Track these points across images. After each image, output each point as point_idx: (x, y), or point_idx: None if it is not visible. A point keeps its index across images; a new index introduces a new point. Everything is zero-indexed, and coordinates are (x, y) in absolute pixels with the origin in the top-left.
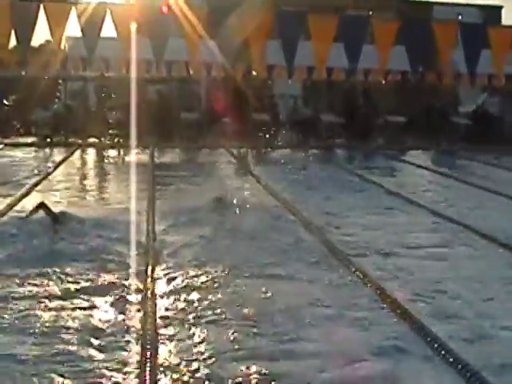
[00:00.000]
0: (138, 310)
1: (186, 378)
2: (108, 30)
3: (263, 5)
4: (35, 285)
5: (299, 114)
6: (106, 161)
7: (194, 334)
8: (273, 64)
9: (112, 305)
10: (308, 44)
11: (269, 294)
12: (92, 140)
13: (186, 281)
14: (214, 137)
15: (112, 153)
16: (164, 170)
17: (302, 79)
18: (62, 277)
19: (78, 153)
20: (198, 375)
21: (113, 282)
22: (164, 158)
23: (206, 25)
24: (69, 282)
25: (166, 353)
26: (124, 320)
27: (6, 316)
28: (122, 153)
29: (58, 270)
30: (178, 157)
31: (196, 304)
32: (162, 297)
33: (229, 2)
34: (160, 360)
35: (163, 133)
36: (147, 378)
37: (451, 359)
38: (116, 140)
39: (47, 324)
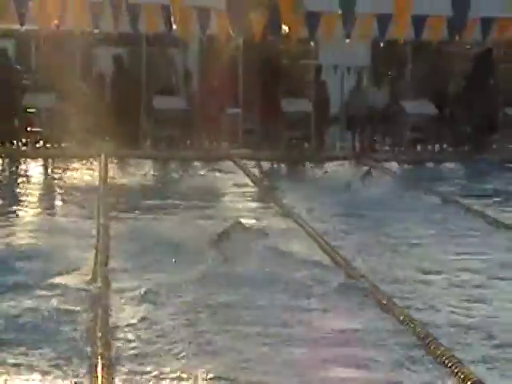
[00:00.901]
0: None
1: None
2: None
3: None
4: None
5: (364, 101)
6: (17, 181)
7: None
8: (317, 11)
9: None
10: None
11: None
12: None
13: None
14: (211, 139)
15: (31, 166)
16: (126, 201)
17: (369, 38)
18: None
19: None
20: None
21: None
22: (126, 176)
23: None
24: None
25: None
26: None
27: None
28: (48, 167)
29: None
30: (149, 175)
31: None
32: None
33: None
34: None
35: (124, 132)
36: None
37: None
38: (39, 145)
39: None
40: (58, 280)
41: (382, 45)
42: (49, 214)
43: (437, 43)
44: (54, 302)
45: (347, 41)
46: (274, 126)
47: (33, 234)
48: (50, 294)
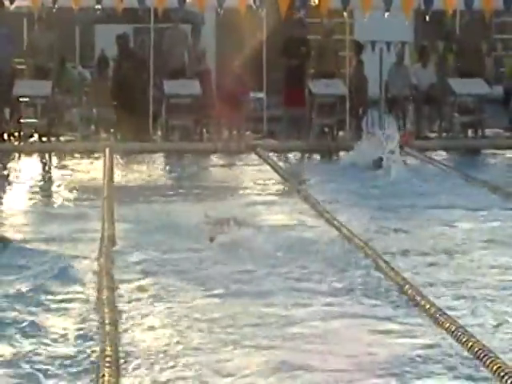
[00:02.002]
0: None
1: None
2: None
3: None
4: None
5: (406, 81)
6: (9, 179)
7: None
8: None
9: None
10: None
11: None
12: None
13: None
14: (232, 128)
15: (25, 163)
16: (136, 202)
17: (411, 8)
18: None
19: None
20: None
21: None
22: (135, 172)
23: None
24: None
25: None
26: None
27: None
28: (44, 164)
29: None
30: (161, 171)
31: None
32: None
33: None
34: None
35: (131, 122)
36: None
37: None
38: (33, 138)
39: None
40: None
41: (428, 13)
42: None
43: (490, 14)
44: None
45: (386, 14)
46: (303, 111)
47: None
48: None
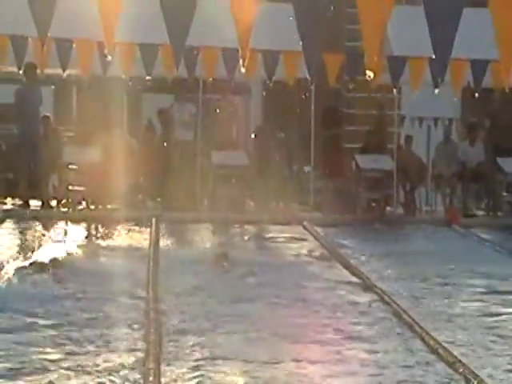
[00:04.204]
0: None
1: None
2: None
3: None
4: None
5: (453, 158)
6: (57, 247)
7: None
8: (402, 56)
9: None
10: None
11: None
12: (33, 204)
13: None
14: (278, 200)
15: (73, 230)
16: (181, 272)
17: (460, 86)
18: None
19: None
20: None
21: None
22: (181, 245)
23: None
24: None
25: None
26: None
27: None
28: (92, 231)
29: None
30: (208, 240)
31: None
32: None
33: None
34: None
35: (178, 192)
36: None
37: None
38: (81, 206)
39: None
40: None
41: (476, 95)
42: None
43: None
44: None
45: (436, 91)
46: (349, 185)
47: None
48: None
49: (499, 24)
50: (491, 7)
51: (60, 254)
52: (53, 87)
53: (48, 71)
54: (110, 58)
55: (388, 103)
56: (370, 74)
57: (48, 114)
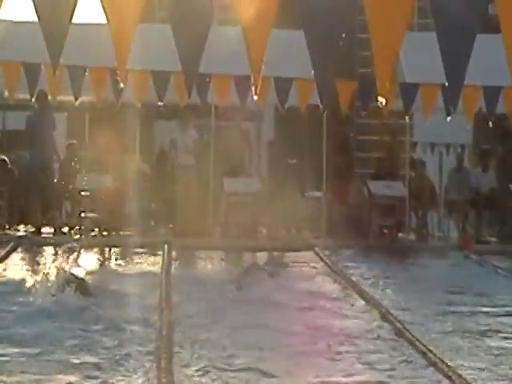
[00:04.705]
0: None
1: None
2: (87, 9)
3: None
4: None
5: (466, 184)
6: (71, 273)
7: None
8: (415, 82)
9: None
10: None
11: None
12: (45, 231)
13: None
14: (290, 227)
15: (86, 257)
16: (193, 298)
17: (473, 112)
18: None
19: (13, 257)
20: None
21: None
22: (193, 271)
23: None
24: None
25: None
26: None
27: None
28: (105, 258)
29: None
30: (220, 267)
31: None
32: None
33: None
34: None
35: (191, 218)
36: None
37: None
38: (94, 232)
39: None
40: None
41: (489, 123)
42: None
43: None
44: None
45: (448, 119)
46: (361, 212)
47: None
48: None
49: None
50: (504, 33)
51: (72, 281)
52: (66, 114)
53: (61, 98)
54: (122, 85)
55: (400, 129)
56: (381, 100)
57: (73, 142)
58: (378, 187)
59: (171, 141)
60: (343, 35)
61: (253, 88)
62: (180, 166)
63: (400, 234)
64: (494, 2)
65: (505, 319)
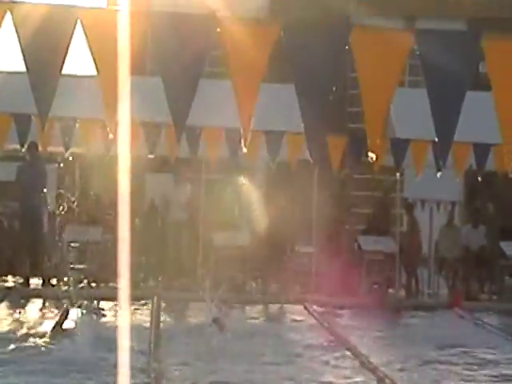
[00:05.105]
0: None
1: None
2: (77, 61)
3: None
4: None
5: (456, 241)
6: (60, 325)
7: None
8: (405, 138)
9: None
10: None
11: None
12: (33, 282)
13: None
14: (279, 281)
15: (75, 308)
16: (181, 350)
17: (463, 169)
18: None
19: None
20: None
21: None
22: (181, 321)
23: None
24: None
25: None
26: None
27: None
28: (93, 310)
29: None
30: (209, 320)
31: None
32: None
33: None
34: None
35: (180, 271)
36: None
37: None
38: (82, 284)
39: None
40: None
41: (479, 178)
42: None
43: None
44: None
45: (438, 174)
46: (350, 267)
47: None
48: None
49: (502, 107)
50: (494, 91)
51: (60, 332)
52: (56, 165)
53: (52, 149)
54: (111, 136)
55: (391, 185)
56: (372, 155)
57: (62, 191)
58: (368, 243)
59: (163, 196)
60: (334, 89)
61: (242, 141)
62: (172, 221)
63: (390, 290)
64: (485, 60)
65: (485, 377)
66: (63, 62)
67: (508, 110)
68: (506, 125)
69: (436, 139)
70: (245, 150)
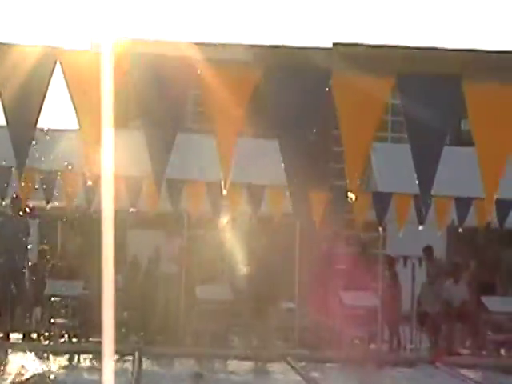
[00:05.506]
0: None
1: None
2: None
3: None
4: None
5: (438, 297)
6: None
7: None
8: (388, 192)
9: None
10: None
11: None
12: (14, 337)
13: None
14: (262, 336)
15: (56, 363)
16: None
17: (445, 223)
18: None
19: None
20: None
21: None
22: (163, 377)
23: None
24: None
25: None
26: None
27: None
28: (74, 365)
29: None
30: (191, 376)
31: None
32: None
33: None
34: None
35: (161, 327)
36: None
37: None
38: (63, 339)
39: None
40: None
41: (460, 230)
42: None
43: None
44: None
45: (420, 228)
46: (333, 322)
47: None
48: None
49: (483, 151)
50: (477, 146)
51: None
52: (38, 220)
53: (33, 203)
54: (90, 182)
55: (373, 242)
56: (351, 196)
57: (45, 247)
58: (350, 297)
59: (156, 249)
60: (314, 131)
61: (222, 183)
62: (162, 275)
63: (372, 345)
64: (468, 117)
65: None
66: (41, 107)
67: (489, 152)
68: (487, 171)
69: (418, 193)
70: (225, 192)
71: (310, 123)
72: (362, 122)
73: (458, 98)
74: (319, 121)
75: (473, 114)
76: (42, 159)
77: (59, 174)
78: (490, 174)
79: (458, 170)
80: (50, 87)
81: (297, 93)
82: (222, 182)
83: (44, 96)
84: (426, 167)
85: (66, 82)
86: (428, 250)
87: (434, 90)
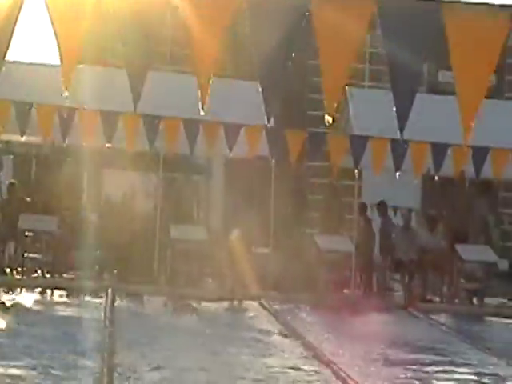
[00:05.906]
0: None
1: None
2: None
3: None
4: None
5: (412, 244)
6: (10, 313)
7: None
8: (363, 135)
9: None
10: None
11: None
12: None
13: None
14: (235, 278)
15: (27, 297)
16: (136, 344)
17: (421, 170)
18: None
19: None
20: None
21: None
22: (135, 314)
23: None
24: None
25: None
26: None
27: None
28: (45, 300)
29: None
30: (163, 315)
31: None
32: None
33: None
34: None
35: (136, 264)
36: None
37: None
38: (36, 274)
39: None
40: None
41: (436, 178)
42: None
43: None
44: None
45: (397, 174)
46: (307, 266)
47: None
48: None
49: (462, 82)
50: (458, 90)
51: (10, 321)
52: (12, 156)
53: (7, 137)
54: (66, 93)
55: (348, 190)
56: (328, 119)
57: (14, 181)
58: (325, 242)
59: (131, 185)
60: (292, 56)
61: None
62: (137, 210)
63: (346, 290)
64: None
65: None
66: (10, 37)
67: (468, 84)
68: (466, 96)
69: (395, 137)
70: (203, 112)
71: (287, 55)
72: (341, 47)
73: (437, 23)
74: (296, 51)
75: (452, 39)
76: (18, 91)
77: (34, 104)
78: (469, 98)
79: (435, 117)
80: (20, 19)
81: (275, 21)
82: (200, 103)
83: (13, 27)
84: (404, 93)
85: (50, 16)
86: (382, 205)
87: (413, 16)
